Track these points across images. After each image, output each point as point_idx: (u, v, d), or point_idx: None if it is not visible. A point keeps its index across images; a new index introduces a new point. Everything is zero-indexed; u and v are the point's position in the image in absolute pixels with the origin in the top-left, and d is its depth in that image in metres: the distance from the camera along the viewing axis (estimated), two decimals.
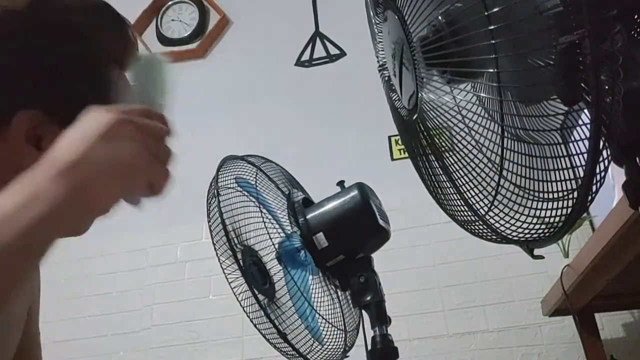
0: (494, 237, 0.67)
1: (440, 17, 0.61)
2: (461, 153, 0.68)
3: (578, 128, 0.51)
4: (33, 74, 0.57)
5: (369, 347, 0.97)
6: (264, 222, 1.12)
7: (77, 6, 0.62)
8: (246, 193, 1.13)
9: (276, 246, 1.11)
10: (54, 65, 0.58)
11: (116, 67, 0.64)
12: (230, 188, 1.09)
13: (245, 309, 1.04)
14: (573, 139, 0.51)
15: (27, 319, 0.77)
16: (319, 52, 2.57)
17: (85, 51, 0.61)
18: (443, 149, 0.72)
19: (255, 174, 1.16)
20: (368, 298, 1.00)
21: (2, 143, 0.55)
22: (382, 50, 0.89)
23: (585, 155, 0.48)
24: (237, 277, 1.02)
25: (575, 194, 0.52)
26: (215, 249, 1.06)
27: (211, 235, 1.06)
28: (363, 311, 1.02)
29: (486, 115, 0.62)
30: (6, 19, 0.57)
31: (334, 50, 2.55)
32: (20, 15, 0.58)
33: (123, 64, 0.65)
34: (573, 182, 0.53)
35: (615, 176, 0.81)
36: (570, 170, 0.53)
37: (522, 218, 0.60)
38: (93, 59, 0.61)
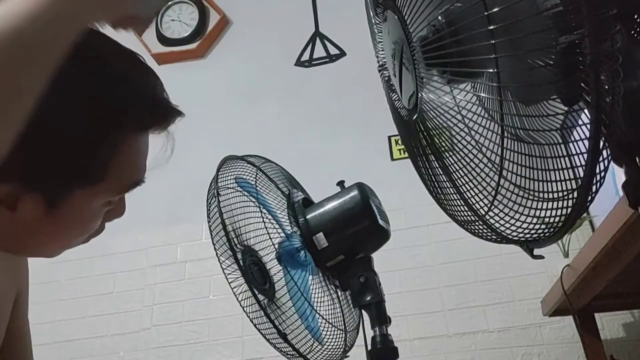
0: (494, 237, 0.67)
1: (440, 17, 0.61)
2: (461, 153, 0.68)
3: (578, 128, 0.51)
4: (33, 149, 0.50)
5: (369, 347, 0.97)
6: (264, 222, 1.12)
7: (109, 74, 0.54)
8: (246, 193, 1.13)
9: (276, 246, 1.11)
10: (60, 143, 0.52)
11: (133, 134, 0.58)
12: (230, 188, 1.09)
13: (245, 309, 1.04)
14: (573, 139, 0.51)
15: (14, 308, 0.76)
16: (319, 52, 2.57)
17: (92, 127, 0.53)
18: (443, 149, 0.72)
19: (255, 174, 1.16)
20: (368, 298, 1.00)
21: None
22: (382, 50, 0.89)
23: (585, 155, 0.48)
24: (237, 277, 1.02)
25: (575, 194, 0.52)
26: (215, 249, 1.06)
27: (211, 235, 1.06)
28: (363, 311, 1.02)
29: (486, 115, 0.62)
30: None
31: (334, 50, 2.55)
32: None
33: (148, 130, 0.59)
34: (573, 182, 0.52)
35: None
36: (570, 170, 0.53)
37: (522, 218, 0.60)
38: (99, 139, 0.54)
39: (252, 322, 1.03)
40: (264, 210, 1.13)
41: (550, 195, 0.56)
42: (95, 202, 0.58)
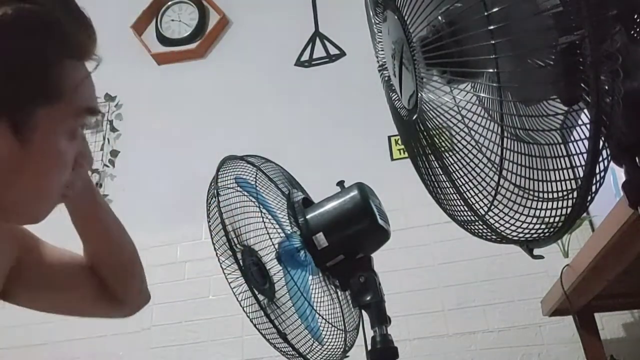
0: (494, 237, 0.67)
1: (440, 17, 0.61)
2: (461, 153, 0.68)
3: (578, 128, 0.51)
4: None
5: (369, 347, 0.96)
6: (264, 222, 1.12)
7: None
8: (246, 193, 1.13)
9: (276, 246, 1.11)
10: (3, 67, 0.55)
11: (72, 61, 0.62)
12: (230, 188, 1.09)
13: (245, 309, 1.04)
14: (573, 139, 0.51)
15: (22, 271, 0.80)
16: (319, 52, 2.57)
17: (37, 49, 0.58)
18: (443, 149, 0.72)
19: (255, 174, 1.16)
20: (368, 298, 1.00)
21: None
22: (382, 50, 0.89)
23: (585, 155, 0.48)
24: (237, 277, 1.02)
25: (575, 193, 0.52)
26: (215, 249, 1.06)
27: (211, 235, 1.06)
28: (363, 311, 1.02)
29: (486, 115, 0.62)
30: None
31: (333, 50, 2.56)
32: None
33: (81, 56, 0.63)
34: (573, 182, 0.53)
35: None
36: (570, 170, 0.53)
37: (522, 218, 0.60)
38: (45, 59, 0.58)
39: (252, 322, 1.03)
40: (263, 210, 1.13)
41: (550, 195, 0.56)
42: (60, 129, 0.61)
